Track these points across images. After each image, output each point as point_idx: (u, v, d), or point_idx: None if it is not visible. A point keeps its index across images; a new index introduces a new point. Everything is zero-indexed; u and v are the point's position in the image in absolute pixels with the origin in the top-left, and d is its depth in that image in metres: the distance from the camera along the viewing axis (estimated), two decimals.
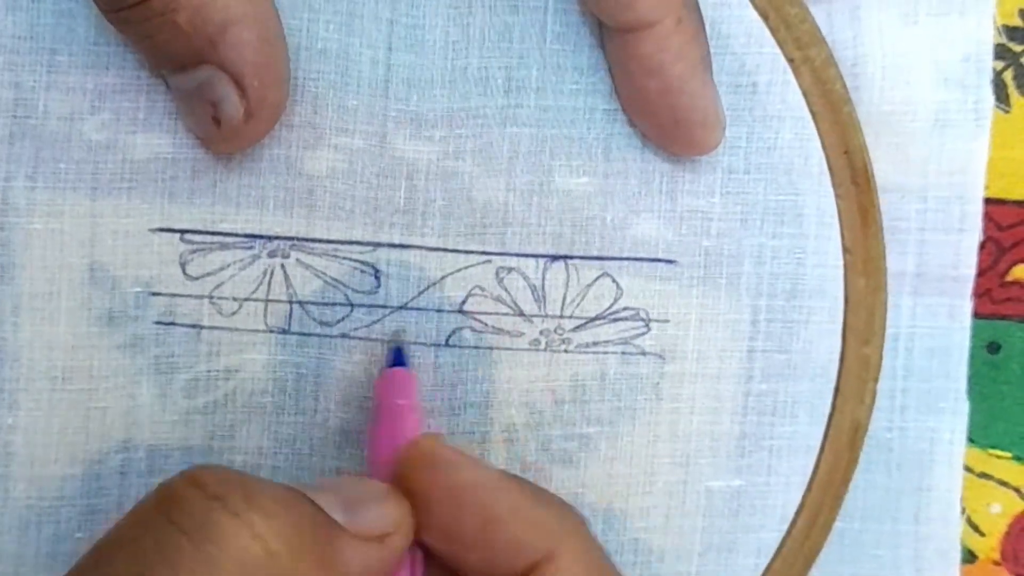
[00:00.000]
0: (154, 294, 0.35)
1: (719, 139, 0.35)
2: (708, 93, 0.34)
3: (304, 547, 0.27)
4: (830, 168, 0.37)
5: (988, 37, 0.37)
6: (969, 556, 0.39)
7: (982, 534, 0.39)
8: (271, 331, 0.35)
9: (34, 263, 0.34)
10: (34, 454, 0.34)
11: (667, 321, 0.36)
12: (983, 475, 0.39)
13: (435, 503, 0.30)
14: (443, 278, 0.36)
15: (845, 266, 0.37)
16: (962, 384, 0.38)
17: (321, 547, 0.27)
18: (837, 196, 0.37)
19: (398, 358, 0.35)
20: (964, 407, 0.38)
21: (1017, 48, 0.38)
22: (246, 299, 0.35)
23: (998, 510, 0.39)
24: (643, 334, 0.36)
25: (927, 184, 0.38)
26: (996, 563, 0.39)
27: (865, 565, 0.39)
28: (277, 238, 0.35)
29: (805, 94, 0.37)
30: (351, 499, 0.29)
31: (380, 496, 0.30)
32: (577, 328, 0.36)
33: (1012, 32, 0.38)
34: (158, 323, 0.35)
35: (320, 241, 0.35)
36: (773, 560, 0.37)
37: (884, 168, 0.37)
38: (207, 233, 0.35)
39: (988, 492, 0.39)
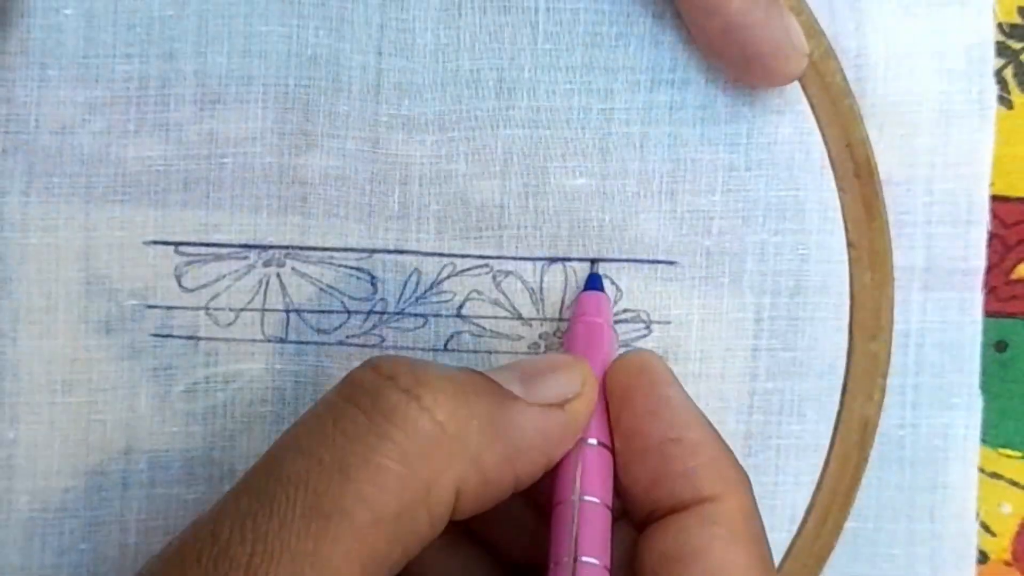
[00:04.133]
0: (150, 306, 0.35)
1: (800, 65, 0.34)
2: (773, 22, 0.33)
3: (470, 416, 0.28)
4: (832, 162, 0.36)
5: (988, 27, 0.36)
6: (980, 556, 0.38)
7: (993, 534, 0.38)
8: (268, 340, 0.35)
9: (30, 277, 0.34)
10: (36, 467, 0.35)
11: (668, 323, 0.36)
12: (994, 475, 0.38)
13: (632, 406, 0.31)
14: (440, 282, 0.35)
15: (850, 261, 0.36)
16: (975, 379, 0.37)
17: (490, 415, 0.28)
18: (840, 190, 0.36)
19: (594, 282, 0.35)
20: (978, 402, 0.37)
21: (1017, 45, 0.37)
22: (243, 309, 0.35)
23: (1009, 510, 0.38)
24: (644, 336, 0.36)
25: (933, 176, 0.37)
26: (1007, 563, 0.38)
27: (880, 565, 0.38)
28: (272, 247, 0.35)
29: (804, 87, 0.36)
30: (528, 371, 0.30)
31: (558, 365, 0.31)
32: None
33: (1012, 29, 0.37)
34: (155, 335, 0.35)
35: (315, 249, 0.35)
36: (784, 560, 0.37)
37: (889, 160, 0.37)
38: (201, 245, 0.35)
39: (999, 492, 0.38)
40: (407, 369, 0.28)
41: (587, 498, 0.30)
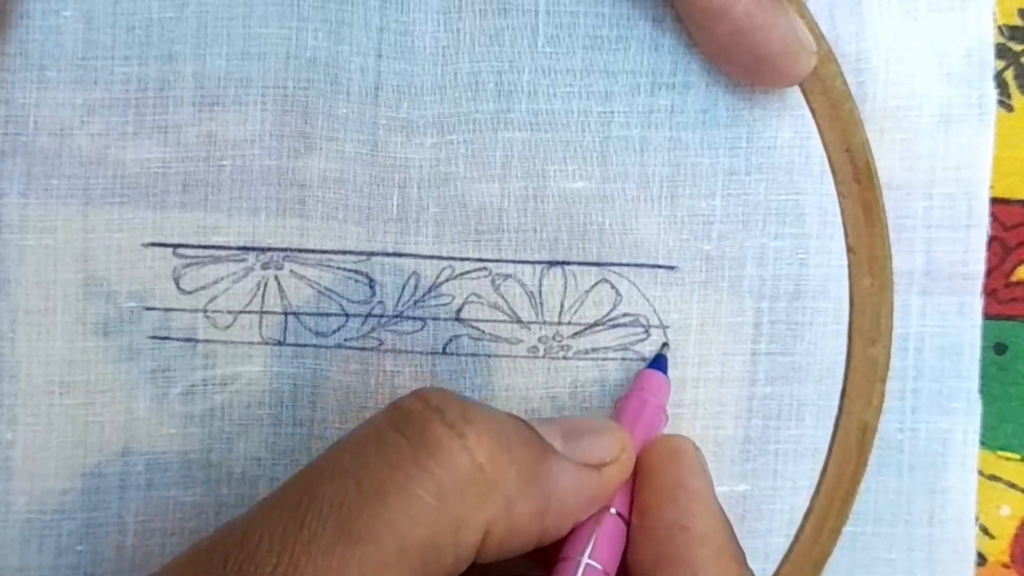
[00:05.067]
0: (148, 309, 0.35)
1: (810, 63, 0.34)
2: (780, 21, 0.33)
3: (510, 462, 0.28)
4: (832, 166, 0.36)
5: (988, 32, 0.36)
6: (979, 559, 0.38)
7: (991, 536, 0.38)
8: (266, 343, 0.35)
9: (29, 279, 0.34)
10: (34, 468, 0.35)
11: (667, 327, 0.36)
12: (992, 477, 0.38)
13: (652, 486, 0.32)
14: (439, 286, 0.35)
15: (849, 265, 0.36)
16: (974, 383, 0.37)
17: (529, 464, 0.29)
18: (840, 194, 0.36)
19: (660, 363, 0.35)
20: (977, 407, 0.37)
21: (1017, 48, 0.37)
22: (240, 312, 0.35)
23: (1007, 512, 0.38)
24: (643, 340, 0.36)
25: (933, 180, 0.37)
26: (1006, 566, 0.38)
27: (879, 569, 0.38)
28: (270, 249, 0.35)
29: (804, 91, 0.36)
30: (571, 429, 0.31)
31: (601, 429, 0.31)
32: (576, 335, 0.36)
33: (1012, 31, 0.37)
34: (153, 337, 0.35)
35: (313, 251, 0.35)
36: (782, 565, 0.37)
37: (890, 165, 0.37)
38: (200, 247, 0.35)
39: (997, 494, 0.38)
40: (455, 405, 0.28)
41: (591, 562, 0.30)
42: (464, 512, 0.27)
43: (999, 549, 0.38)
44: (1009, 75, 0.37)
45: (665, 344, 0.36)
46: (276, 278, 0.35)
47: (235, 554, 0.26)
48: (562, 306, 0.36)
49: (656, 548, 0.31)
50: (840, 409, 0.37)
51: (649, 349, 0.36)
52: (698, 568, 0.30)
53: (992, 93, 0.36)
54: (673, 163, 0.36)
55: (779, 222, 0.36)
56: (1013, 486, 0.38)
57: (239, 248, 0.35)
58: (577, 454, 0.30)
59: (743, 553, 0.31)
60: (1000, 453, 0.38)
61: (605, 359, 0.36)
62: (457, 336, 0.36)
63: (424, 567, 0.27)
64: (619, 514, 0.31)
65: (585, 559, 0.30)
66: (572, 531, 0.30)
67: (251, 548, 0.26)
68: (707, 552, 0.30)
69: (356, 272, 0.35)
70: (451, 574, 0.28)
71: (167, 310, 0.35)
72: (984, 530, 0.38)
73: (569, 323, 0.36)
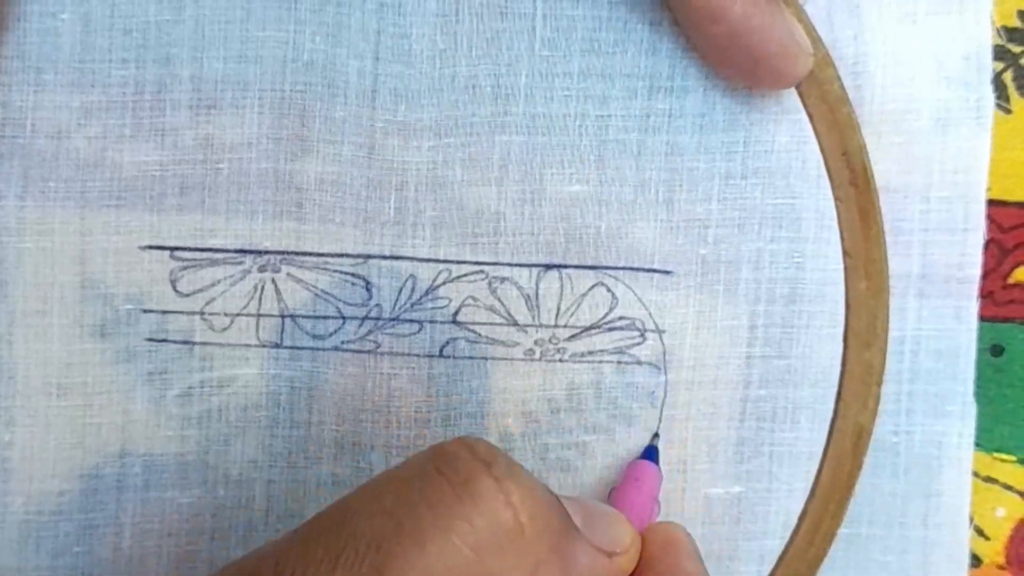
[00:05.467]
0: (145, 311, 0.35)
1: (807, 64, 0.34)
2: (778, 23, 0.33)
3: (547, 531, 0.28)
4: (828, 170, 0.36)
5: (987, 35, 0.36)
6: (974, 560, 0.38)
7: (987, 538, 0.38)
8: (263, 345, 0.35)
9: (26, 281, 0.34)
10: (32, 469, 0.35)
11: (663, 331, 0.36)
12: (988, 479, 0.38)
13: (652, 570, 0.32)
14: (436, 288, 0.35)
15: (845, 269, 0.36)
16: (970, 387, 0.37)
17: (560, 538, 0.29)
18: (836, 198, 0.36)
19: (651, 454, 0.36)
20: (972, 410, 0.37)
21: (1016, 49, 0.37)
22: (238, 314, 0.35)
23: (1003, 514, 0.38)
24: (638, 344, 0.36)
25: (930, 184, 0.37)
26: (1001, 567, 0.38)
27: (873, 571, 0.38)
28: (267, 252, 0.35)
29: (801, 95, 0.36)
30: (590, 512, 0.31)
31: (615, 518, 0.32)
32: (572, 337, 0.36)
33: (1011, 33, 0.37)
34: (150, 340, 0.35)
35: (310, 254, 0.35)
36: (776, 567, 0.37)
37: (887, 168, 0.37)
38: (197, 250, 0.35)
39: (993, 496, 0.38)
40: (502, 460, 0.28)
41: None
42: (498, 570, 0.27)
43: (994, 551, 0.38)
44: (1008, 77, 0.37)
45: (656, 435, 0.36)
46: (273, 281, 0.35)
47: None
48: (558, 309, 0.36)
49: None
50: (835, 412, 0.37)
51: (645, 353, 0.36)
52: None
53: (990, 97, 0.36)
54: (670, 167, 0.36)
55: (775, 226, 0.36)
56: (1009, 488, 0.38)
57: (236, 251, 0.35)
58: (596, 538, 0.30)
59: None
60: (996, 455, 0.38)
61: (601, 362, 0.36)
62: (454, 339, 0.36)
63: None
64: None
65: None
66: None
67: None
68: None
69: (353, 275, 0.35)
70: None
71: (164, 312, 0.35)
72: (979, 532, 0.38)
73: (565, 326, 0.36)
